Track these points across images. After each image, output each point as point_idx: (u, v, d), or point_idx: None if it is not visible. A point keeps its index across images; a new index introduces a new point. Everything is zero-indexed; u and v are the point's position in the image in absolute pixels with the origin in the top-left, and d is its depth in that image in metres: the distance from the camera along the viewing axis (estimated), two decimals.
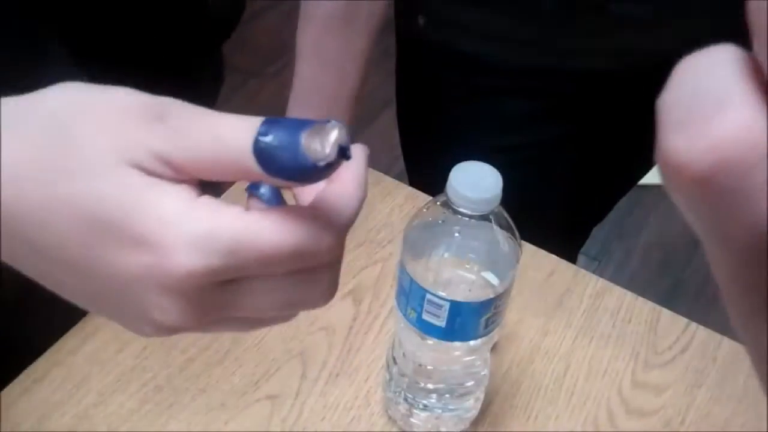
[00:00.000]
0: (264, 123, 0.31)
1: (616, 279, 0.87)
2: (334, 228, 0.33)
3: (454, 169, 0.59)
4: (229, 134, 0.31)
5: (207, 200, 0.32)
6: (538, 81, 0.93)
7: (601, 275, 0.88)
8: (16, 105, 0.33)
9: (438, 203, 0.62)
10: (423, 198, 0.90)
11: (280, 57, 2.38)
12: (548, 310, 0.83)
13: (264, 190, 0.34)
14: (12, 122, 0.32)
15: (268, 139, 0.30)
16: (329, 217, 0.33)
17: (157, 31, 0.89)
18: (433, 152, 1.01)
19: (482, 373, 0.71)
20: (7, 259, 0.35)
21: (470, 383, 0.70)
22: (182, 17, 0.92)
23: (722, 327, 0.83)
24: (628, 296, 0.85)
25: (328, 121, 0.31)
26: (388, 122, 2.29)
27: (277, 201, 0.34)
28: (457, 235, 0.62)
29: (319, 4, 0.79)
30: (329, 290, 0.35)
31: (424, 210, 0.64)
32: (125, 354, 0.76)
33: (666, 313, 0.84)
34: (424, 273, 0.63)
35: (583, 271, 0.87)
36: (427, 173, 0.96)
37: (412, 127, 1.07)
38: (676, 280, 2.03)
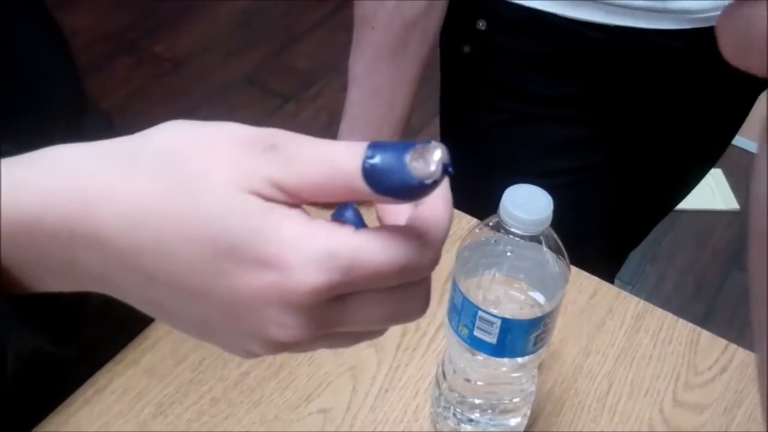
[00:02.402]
0: (370, 147, 0.34)
1: (649, 303, 0.89)
2: (433, 244, 0.36)
3: (507, 191, 0.62)
4: (338, 159, 0.34)
5: (321, 222, 0.34)
6: (580, 109, 0.95)
7: None
8: (130, 143, 0.35)
9: (489, 224, 0.65)
10: (467, 219, 0.93)
11: (317, 81, 2.43)
12: (591, 331, 0.85)
13: (349, 214, 0.37)
14: (129, 159, 0.35)
15: (376, 161, 0.33)
16: (427, 234, 0.36)
17: None
18: (475, 176, 1.03)
19: (529, 389, 0.73)
20: (114, 292, 0.37)
21: (517, 399, 0.73)
22: None
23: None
24: (669, 317, 0.87)
25: (429, 142, 0.34)
26: None
27: (362, 224, 0.37)
28: (508, 254, 0.65)
29: (372, 33, 0.83)
30: (425, 303, 0.38)
31: (477, 230, 0.67)
32: (183, 367, 0.79)
33: (705, 335, 0.86)
34: (476, 291, 0.65)
35: (624, 292, 0.89)
36: (468, 195, 0.99)
37: (454, 150, 1.09)
38: (709, 305, 2.03)
